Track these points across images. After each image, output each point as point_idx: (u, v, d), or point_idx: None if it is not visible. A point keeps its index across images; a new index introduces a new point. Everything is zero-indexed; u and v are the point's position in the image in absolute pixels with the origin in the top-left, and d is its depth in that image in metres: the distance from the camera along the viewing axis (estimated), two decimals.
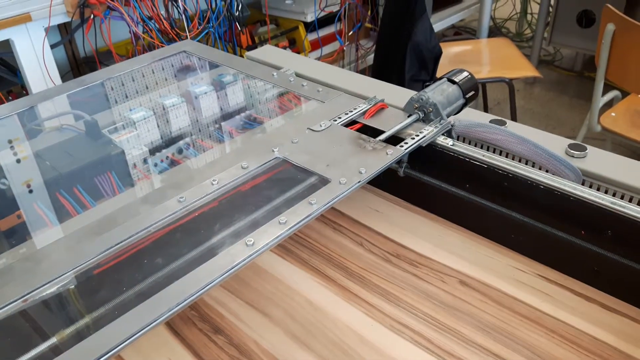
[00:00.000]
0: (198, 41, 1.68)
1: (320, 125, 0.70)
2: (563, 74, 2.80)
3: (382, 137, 0.68)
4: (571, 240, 0.60)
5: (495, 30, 3.07)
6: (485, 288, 0.62)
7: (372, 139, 0.66)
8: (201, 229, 0.60)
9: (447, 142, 0.68)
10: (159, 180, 0.78)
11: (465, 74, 0.76)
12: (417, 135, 0.67)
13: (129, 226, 0.56)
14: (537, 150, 0.66)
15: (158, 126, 0.88)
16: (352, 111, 0.74)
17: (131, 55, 1.62)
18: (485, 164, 0.64)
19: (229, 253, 0.51)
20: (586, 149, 0.70)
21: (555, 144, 0.70)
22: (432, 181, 0.71)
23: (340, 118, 0.73)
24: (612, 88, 1.71)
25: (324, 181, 0.60)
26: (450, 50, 2.15)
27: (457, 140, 0.70)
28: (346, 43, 2.18)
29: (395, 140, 0.68)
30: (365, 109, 0.74)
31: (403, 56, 1.92)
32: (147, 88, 0.97)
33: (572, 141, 0.72)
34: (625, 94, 1.72)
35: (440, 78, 0.76)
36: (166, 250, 0.57)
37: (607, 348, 0.54)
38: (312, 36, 2.11)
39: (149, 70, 0.99)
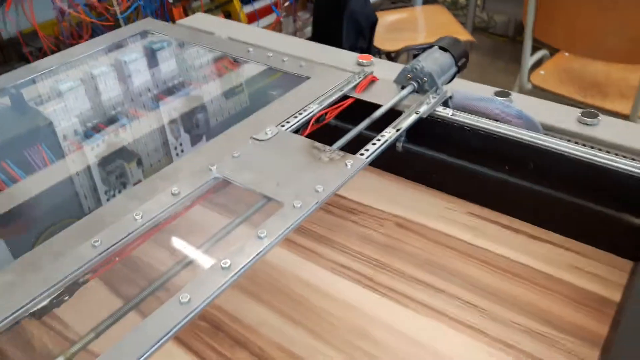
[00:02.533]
0: (127, 16, 1.63)
1: (266, 133, 0.60)
2: (497, 39, 2.88)
3: (381, 110, 0.64)
4: (496, 175, 0.63)
5: None
6: (420, 228, 0.64)
7: (327, 147, 0.57)
8: (120, 284, 0.53)
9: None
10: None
11: (456, 40, 0.74)
12: (379, 140, 0.58)
13: (31, 280, 0.44)
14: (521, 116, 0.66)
15: (88, 96, 0.85)
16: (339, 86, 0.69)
17: (57, 34, 1.56)
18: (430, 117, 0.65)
19: (160, 316, 0.40)
20: (510, 94, 0.73)
21: (483, 92, 0.72)
22: (369, 133, 0.70)
23: (331, 96, 0.67)
24: (542, 49, 1.78)
25: (274, 205, 0.50)
26: (387, 19, 2.17)
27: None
28: (283, 15, 2.17)
29: (394, 114, 0.63)
30: (356, 82, 0.70)
31: (340, 25, 1.93)
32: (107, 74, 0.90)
33: (497, 89, 0.75)
34: (553, 53, 1.79)
35: (431, 46, 0.72)
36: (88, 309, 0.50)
37: (534, 272, 0.57)
38: (248, 9, 2.09)
39: (105, 53, 0.92)
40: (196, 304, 0.41)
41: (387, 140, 0.58)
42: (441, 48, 0.71)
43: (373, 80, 0.71)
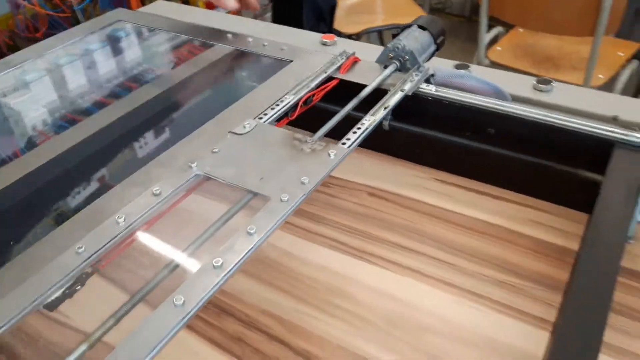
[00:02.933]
0: (84, 7, 1.61)
1: (244, 127, 0.59)
2: (454, 20, 2.94)
3: (367, 89, 0.65)
4: (458, 142, 0.66)
5: None
6: (391, 196, 0.67)
7: (308, 138, 0.57)
8: (112, 288, 0.53)
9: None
10: (51, 226, 0.60)
11: (433, 19, 0.75)
12: (359, 128, 0.58)
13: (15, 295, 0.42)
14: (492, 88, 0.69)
15: (55, 86, 0.85)
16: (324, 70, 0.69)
17: (12, 27, 1.53)
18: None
19: (155, 320, 0.39)
20: (469, 66, 0.76)
21: (444, 66, 0.75)
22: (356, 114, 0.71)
23: (317, 78, 0.67)
24: (497, 26, 1.84)
25: (260, 200, 0.50)
26: (346, 2, 2.19)
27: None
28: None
29: (380, 93, 0.64)
30: (340, 63, 0.70)
31: (300, 10, 1.94)
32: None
33: (457, 62, 0.78)
34: (508, 29, 1.85)
35: (409, 25, 0.73)
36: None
37: (499, 229, 0.61)
38: None
39: (80, 45, 0.89)
40: (191, 305, 0.40)
41: (367, 128, 0.58)
42: (420, 27, 0.73)
43: (356, 61, 0.72)
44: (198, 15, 1.02)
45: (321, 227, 0.63)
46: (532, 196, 0.65)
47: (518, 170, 0.65)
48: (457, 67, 0.77)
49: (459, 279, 0.56)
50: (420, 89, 0.66)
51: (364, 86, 0.66)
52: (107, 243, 0.46)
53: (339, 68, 0.70)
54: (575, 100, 0.70)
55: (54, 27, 1.53)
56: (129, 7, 1.79)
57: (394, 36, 0.71)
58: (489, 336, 0.50)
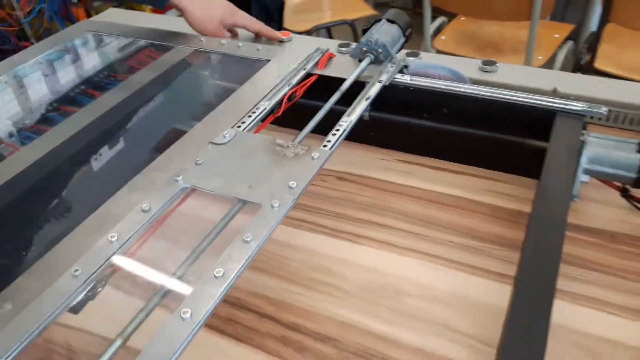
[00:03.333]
0: (31, 20, 1.59)
1: (224, 137, 0.59)
2: None
3: (347, 82, 0.68)
4: (417, 123, 0.72)
5: None
6: (358, 179, 0.72)
7: (289, 143, 0.58)
8: (114, 308, 0.51)
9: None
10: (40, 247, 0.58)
11: (400, 12, 0.79)
12: (338, 130, 0.60)
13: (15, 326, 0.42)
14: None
15: (18, 98, 0.85)
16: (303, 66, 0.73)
17: None
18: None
19: (165, 335, 0.39)
20: (420, 54, 0.82)
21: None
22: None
23: (297, 75, 0.70)
24: (440, 16, 1.92)
25: (251, 208, 0.50)
26: (292, 2, 2.23)
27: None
28: None
29: (357, 85, 0.68)
30: (317, 60, 0.74)
31: (248, 11, 1.97)
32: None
33: (408, 51, 0.84)
34: (451, 19, 1.93)
35: (378, 20, 0.77)
36: None
37: (459, 200, 0.67)
38: None
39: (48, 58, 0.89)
40: (198, 317, 0.40)
41: (345, 129, 0.60)
42: (389, 21, 0.77)
43: (331, 57, 0.76)
44: (154, 20, 1.03)
45: (297, 212, 0.67)
46: (487, 168, 0.71)
47: (472, 145, 0.70)
48: (408, 55, 0.82)
49: (427, 247, 0.61)
50: (396, 79, 0.70)
51: (342, 80, 0.69)
52: (103, 264, 0.46)
53: (316, 64, 0.74)
54: (518, 77, 0.76)
55: (1, 42, 1.51)
56: (76, 19, 1.78)
57: (364, 31, 0.76)
58: (459, 293, 0.55)
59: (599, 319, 0.52)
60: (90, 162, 0.76)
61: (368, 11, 2.11)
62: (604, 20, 1.46)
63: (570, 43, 1.73)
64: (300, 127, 0.61)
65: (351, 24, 2.07)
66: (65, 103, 0.86)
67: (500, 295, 0.55)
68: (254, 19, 0.89)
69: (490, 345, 0.50)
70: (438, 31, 1.89)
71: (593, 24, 1.97)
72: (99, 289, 0.48)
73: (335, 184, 0.71)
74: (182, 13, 0.88)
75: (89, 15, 1.96)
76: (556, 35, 1.77)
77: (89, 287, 0.45)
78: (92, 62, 0.92)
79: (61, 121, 0.83)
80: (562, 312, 0.53)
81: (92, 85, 0.89)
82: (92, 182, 0.74)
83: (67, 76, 0.89)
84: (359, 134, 0.77)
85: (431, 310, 0.54)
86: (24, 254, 0.61)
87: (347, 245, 0.62)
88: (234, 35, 0.93)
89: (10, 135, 0.81)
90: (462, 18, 1.92)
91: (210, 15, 0.86)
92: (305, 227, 0.65)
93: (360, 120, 0.75)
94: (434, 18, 1.83)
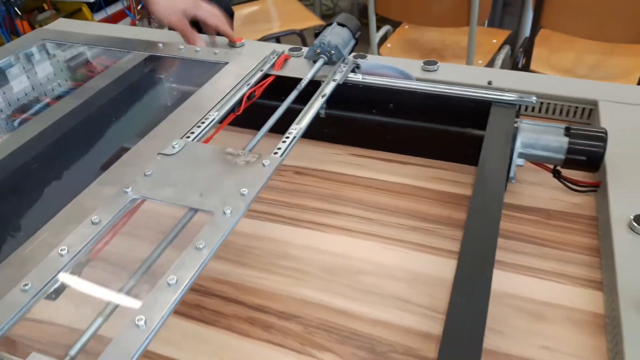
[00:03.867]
0: None
1: (173, 147, 0.59)
2: None
3: (304, 81, 0.72)
4: (367, 118, 0.76)
5: None
6: (314, 172, 0.76)
7: (240, 151, 0.58)
8: (70, 313, 0.53)
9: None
10: None
11: (349, 16, 0.84)
12: (288, 138, 0.62)
13: None
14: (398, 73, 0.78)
15: None
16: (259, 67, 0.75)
17: None
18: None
19: (120, 343, 0.40)
20: (367, 56, 0.87)
21: None
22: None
23: (255, 75, 0.74)
24: (385, 25, 2.00)
25: (202, 216, 0.51)
26: (241, 12, 2.27)
27: None
28: (138, 17, 2.17)
29: (316, 85, 0.72)
30: (273, 61, 0.78)
31: (197, 21, 1.99)
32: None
33: (356, 53, 0.89)
34: (395, 27, 2.01)
35: (330, 24, 0.82)
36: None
37: (407, 187, 0.72)
38: (101, 15, 2.06)
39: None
40: (153, 324, 0.41)
41: (295, 137, 0.62)
42: (339, 24, 0.82)
43: (286, 59, 0.80)
44: (105, 29, 1.05)
45: (257, 205, 0.70)
46: (432, 158, 0.76)
47: (418, 137, 0.76)
48: (356, 56, 0.87)
49: (380, 230, 0.65)
50: (348, 78, 0.75)
51: (298, 80, 0.73)
52: (53, 277, 0.45)
53: (273, 65, 0.78)
54: (457, 75, 0.82)
55: None
56: (22, 32, 1.76)
57: (317, 35, 0.81)
58: (411, 270, 0.60)
59: (539, 285, 0.58)
60: (38, 173, 0.75)
61: (315, 21, 2.17)
62: (535, 25, 1.56)
63: (507, 47, 1.84)
64: (259, 127, 0.65)
65: (300, 33, 2.12)
66: (18, 111, 0.87)
67: (446, 269, 0.59)
68: (217, 14, 0.92)
69: (440, 313, 0.55)
70: (384, 39, 1.97)
71: (528, 30, 2.10)
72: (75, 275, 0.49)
73: (293, 177, 0.75)
74: (147, 4, 0.91)
75: (33, 29, 1.94)
76: (494, 41, 1.87)
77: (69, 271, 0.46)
78: (48, 69, 0.93)
79: (13, 130, 0.83)
80: (506, 281, 0.58)
81: (46, 94, 0.90)
82: (38, 196, 0.73)
83: (21, 85, 0.89)
84: (314, 132, 0.82)
85: (386, 285, 0.58)
86: None
87: (306, 232, 0.66)
88: (206, 28, 0.95)
89: None
90: (406, 27, 2.00)
91: (173, 6, 0.89)
92: (266, 218, 0.68)
93: (316, 118, 0.79)
94: (378, 27, 1.90)
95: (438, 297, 0.56)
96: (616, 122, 0.71)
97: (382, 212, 0.68)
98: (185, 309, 0.57)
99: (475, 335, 0.43)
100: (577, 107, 0.80)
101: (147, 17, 2.24)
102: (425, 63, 0.86)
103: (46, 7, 1.99)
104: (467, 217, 0.56)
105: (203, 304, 0.57)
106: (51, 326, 0.56)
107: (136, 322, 0.41)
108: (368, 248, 0.63)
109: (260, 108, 0.72)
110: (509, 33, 1.94)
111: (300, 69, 0.77)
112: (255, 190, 0.53)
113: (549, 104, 0.81)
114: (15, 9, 1.63)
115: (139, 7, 2.18)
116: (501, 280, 0.58)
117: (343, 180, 0.74)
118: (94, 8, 2.06)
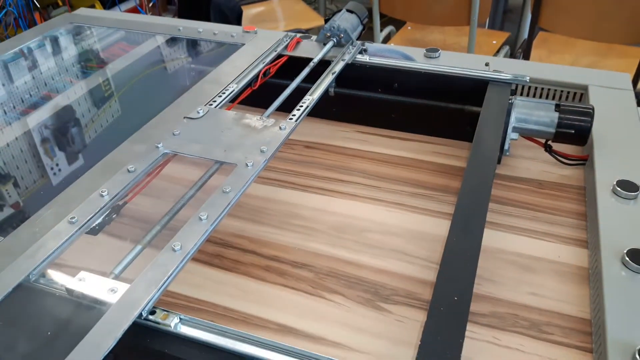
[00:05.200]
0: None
1: (198, 112, 0.66)
2: None
3: (315, 60, 0.78)
4: (373, 96, 0.82)
5: None
6: (323, 146, 0.81)
7: (258, 117, 0.65)
8: (111, 244, 0.59)
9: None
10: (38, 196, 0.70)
11: (358, 4, 0.90)
12: (302, 106, 0.68)
13: (18, 264, 0.47)
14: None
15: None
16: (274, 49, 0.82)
17: None
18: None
19: (158, 262, 0.46)
20: (371, 43, 0.93)
21: None
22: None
23: (269, 55, 0.80)
24: (388, 26, 2.06)
25: (227, 168, 0.57)
26: (250, 12, 2.34)
27: None
28: (149, 14, 2.23)
29: (325, 65, 0.78)
30: (286, 43, 0.84)
31: (207, 19, 2.06)
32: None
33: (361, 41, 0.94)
34: (398, 28, 2.08)
35: (339, 11, 0.88)
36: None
37: (409, 160, 0.77)
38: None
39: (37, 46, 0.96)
40: (187, 249, 0.47)
41: (308, 106, 0.68)
42: (348, 11, 0.89)
43: (298, 42, 0.86)
44: (124, 17, 1.11)
45: (269, 173, 0.76)
46: (432, 135, 0.82)
47: (421, 114, 0.81)
48: (362, 44, 0.92)
49: (384, 195, 0.71)
50: (357, 59, 0.81)
51: (309, 60, 0.79)
52: (96, 213, 0.52)
53: (286, 47, 0.84)
54: (458, 62, 0.88)
55: None
56: (37, 22, 1.82)
57: (327, 21, 0.87)
58: (411, 228, 0.65)
59: (530, 243, 0.63)
60: (77, 133, 0.84)
61: (320, 21, 2.24)
62: (533, 26, 1.62)
63: (507, 48, 1.90)
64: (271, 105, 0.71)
65: (305, 32, 2.19)
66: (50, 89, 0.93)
67: (442, 227, 0.65)
68: None
69: (436, 263, 0.60)
70: (387, 40, 2.03)
71: (527, 34, 2.16)
72: (114, 216, 0.55)
73: (304, 151, 0.81)
74: None
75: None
76: (494, 42, 1.93)
77: (107, 213, 0.52)
78: (77, 49, 0.99)
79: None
80: (500, 239, 0.63)
81: (77, 71, 0.96)
82: (81, 149, 0.82)
83: (50, 63, 0.95)
84: (323, 111, 0.88)
85: (388, 241, 0.63)
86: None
87: (316, 197, 0.71)
88: None
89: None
90: (409, 27, 2.07)
91: None
92: (278, 184, 0.74)
93: (325, 96, 0.85)
94: (382, 29, 1.97)
95: (434, 250, 0.62)
96: (605, 104, 0.77)
97: (385, 180, 0.73)
98: (207, 258, 0.62)
99: (466, 278, 0.47)
100: (569, 92, 0.85)
101: (157, 13, 2.30)
102: (428, 50, 0.91)
103: (60, 3, 2.05)
104: (463, 175, 0.61)
105: (223, 254, 0.63)
106: (93, 260, 0.61)
107: (173, 246, 0.47)
108: (372, 210, 0.68)
109: (273, 87, 0.77)
110: (508, 35, 2.00)
111: (311, 50, 0.83)
112: (274, 148, 0.60)
113: (542, 88, 0.86)
114: (34, 0, 1.69)
115: (150, 5, 2.24)
116: (495, 239, 0.63)
117: (349, 154, 0.79)
118: (107, 5, 2.12)
